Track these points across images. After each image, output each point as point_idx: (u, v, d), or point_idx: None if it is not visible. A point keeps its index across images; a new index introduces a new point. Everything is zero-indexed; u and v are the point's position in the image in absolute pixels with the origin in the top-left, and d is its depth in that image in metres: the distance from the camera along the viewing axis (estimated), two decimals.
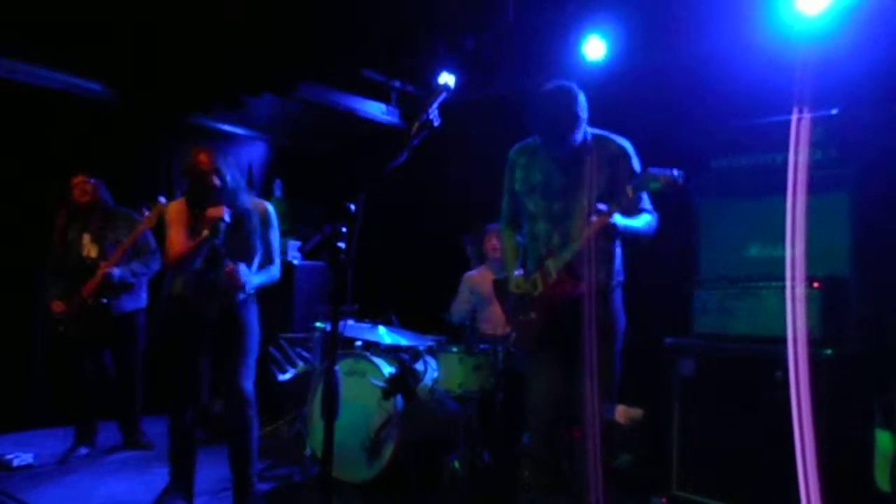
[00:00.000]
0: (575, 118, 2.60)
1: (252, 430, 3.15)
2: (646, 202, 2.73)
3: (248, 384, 3.16)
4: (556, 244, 2.68)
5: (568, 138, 2.62)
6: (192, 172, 3.03)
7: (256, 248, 3.20)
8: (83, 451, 4.29)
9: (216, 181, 3.01)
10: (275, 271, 3.29)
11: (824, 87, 3.10)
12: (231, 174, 3.10)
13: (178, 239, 3.10)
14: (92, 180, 4.35)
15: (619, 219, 2.53)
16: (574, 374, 2.67)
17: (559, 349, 2.71)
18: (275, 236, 3.29)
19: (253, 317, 3.25)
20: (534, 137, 2.80)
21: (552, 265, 2.66)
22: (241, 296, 3.16)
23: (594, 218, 2.51)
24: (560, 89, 2.63)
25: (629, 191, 2.47)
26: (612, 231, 2.55)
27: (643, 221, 2.67)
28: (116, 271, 4.20)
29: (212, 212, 2.97)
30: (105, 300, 4.22)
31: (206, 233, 2.95)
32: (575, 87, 2.64)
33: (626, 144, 2.73)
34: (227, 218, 2.98)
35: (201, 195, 3.03)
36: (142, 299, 4.49)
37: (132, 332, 4.45)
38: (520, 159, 2.83)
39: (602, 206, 2.51)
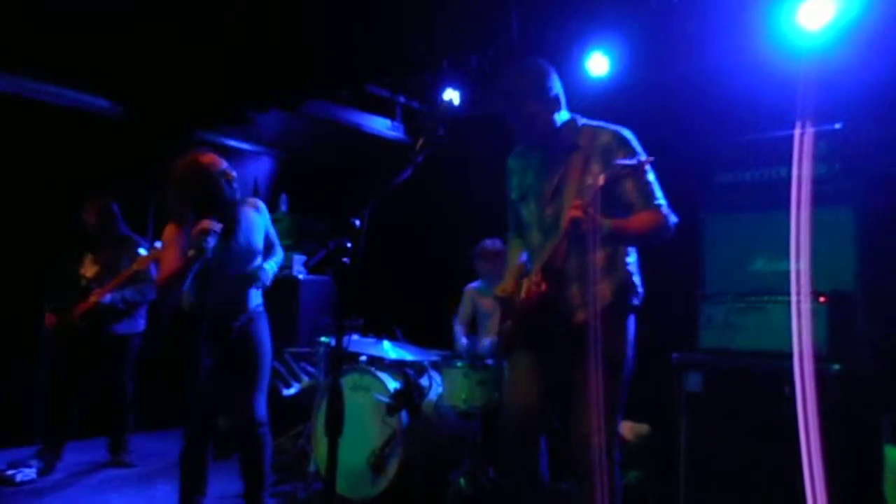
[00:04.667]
0: (534, 88, 2.38)
1: (264, 453, 3.06)
2: (659, 198, 2.39)
3: (259, 406, 3.04)
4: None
5: (532, 112, 2.38)
6: (201, 178, 2.80)
7: (257, 250, 3.09)
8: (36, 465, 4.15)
9: (226, 187, 2.84)
10: (279, 252, 3.26)
11: (827, 101, 3.12)
12: (226, 181, 2.91)
13: (169, 260, 2.88)
14: (107, 202, 4.38)
15: (591, 213, 2.17)
16: (549, 383, 2.46)
17: (532, 354, 2.50)
18: (270, 228, 3.21)
19: (263, 334, 3.13)
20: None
21: (535, 268, 2.43)
22: (248, 313, 3.08)
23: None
24: (521, 64, 2.46)
25: (600, 179, 2.21)
26: (577, 225, 2.19)
27: (639, 221, 2.34)
28: (107, 298, 4.18)
29: (200, 226, 2.77)
30: (94, 323, 4.21)
31: (192, 252, 2.76)
32: (542, 62, 2.46)
33: (622, 131, 2.43)
34: (216, 229, 2.79)
35: (209, 203, 2.81)
36: (138, 323, 4.46)
37: (123, 354, 4.40)
38: (516, 164, 2.63)
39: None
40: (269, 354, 3.16)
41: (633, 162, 2.21)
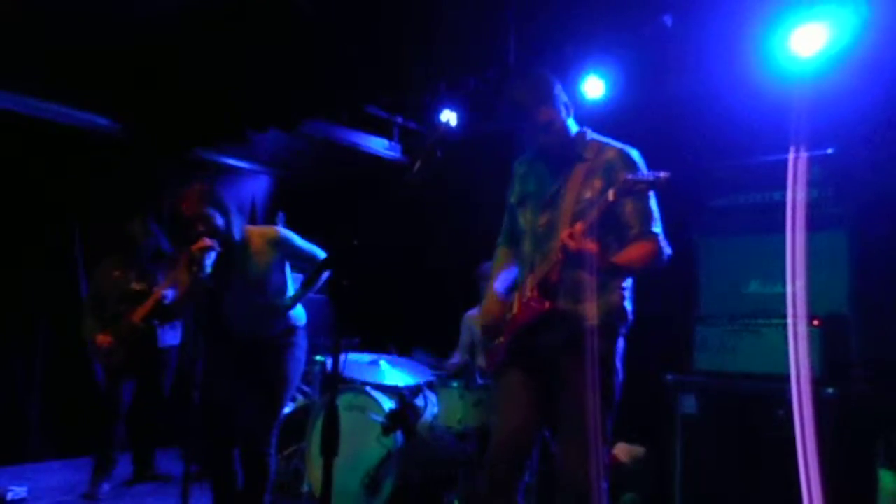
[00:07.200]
0: (543, 94, 2.36)
1: (269, 479, 3.01)
2: (657, 225, 2.33)
3: (269, 437, 2.99)
4: (539, 264, 2.35)
5: (546, 119, 2.34)
6: (178, 219, 2.92)
7: (271, 280, 3.04)
8: (106, 486, 4.18)
9: (200, 227, 2.88)
10: (315, 266, 3.04)
11: (820, 126, 3.16)
12: (221, 213, 2.94)
13: (183, 279, 3.06)
14: (150, 224, 4.43)
15: (581, 238, 2.09)
16: (542, 414, 2.35)
17: (524, 376, 2.38)
18: (302, 246, 3.08)
19: (293, 361, 3.09)
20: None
21: (530, 283, 2.36)
22: (280, 328, 3.07)
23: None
24: (526, 74, 2.46)
25: (610, 194, 2.12)
26: (564, 249, 2.13)
27: (632, 255, 2.27)
28: (170, 293, 4.21)
29: (199, 244, 2.84)
30: (155, 323, 4.27)
31: (195, 269, 2.83)
32: (546, 72, 2.45)
33: (629, 150, 2.38)
34: (213, 246, 2.84)
35: (189, 238, 2.89)
36: (178, 336, 4.53)
37: (166, 365, 4.46)
38: (520, 169, 2.58)
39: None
40: (294, 382, 3.13)
41: (648, 177, 2.10)
